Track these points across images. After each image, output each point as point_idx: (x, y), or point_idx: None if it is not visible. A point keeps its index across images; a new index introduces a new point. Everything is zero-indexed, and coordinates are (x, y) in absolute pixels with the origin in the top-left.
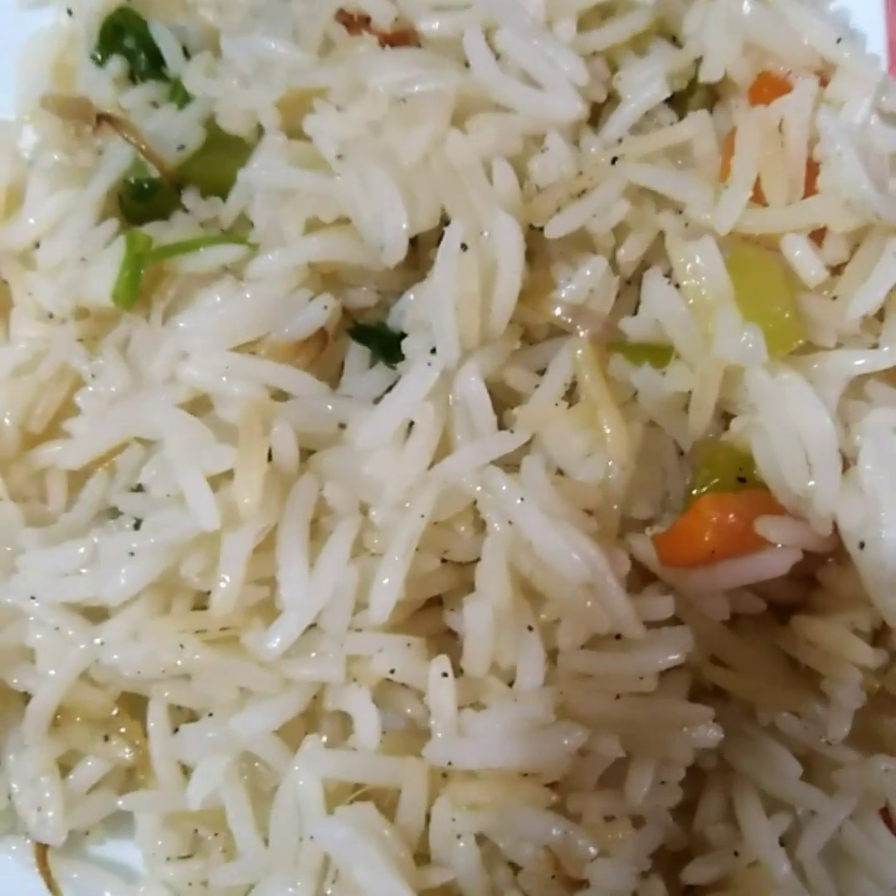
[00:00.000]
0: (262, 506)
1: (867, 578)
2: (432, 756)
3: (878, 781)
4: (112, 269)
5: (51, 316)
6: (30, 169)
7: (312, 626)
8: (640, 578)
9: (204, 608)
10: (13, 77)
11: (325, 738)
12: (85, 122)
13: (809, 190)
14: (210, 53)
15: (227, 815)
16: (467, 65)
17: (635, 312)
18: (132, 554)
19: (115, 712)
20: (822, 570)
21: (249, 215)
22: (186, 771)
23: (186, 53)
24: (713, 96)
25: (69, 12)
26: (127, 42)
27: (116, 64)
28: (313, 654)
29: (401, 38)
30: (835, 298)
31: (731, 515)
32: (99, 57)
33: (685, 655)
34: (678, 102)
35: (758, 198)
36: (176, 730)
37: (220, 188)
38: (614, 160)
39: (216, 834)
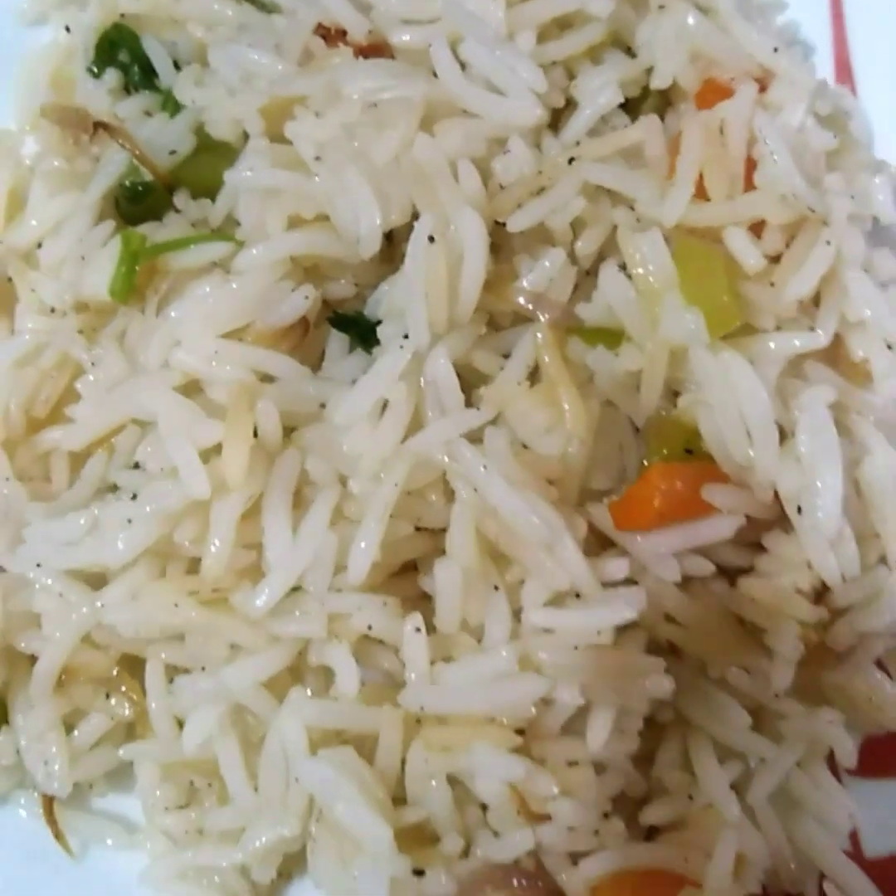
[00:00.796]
0: (248, 476)
1: (805, 541)
2: (407, 702)
3: (821, 731)
4: (109, 266)
5: (52, 310)
6: (31, 174)
7: (296, 588)
8: (598, 544)
9: (196, 572)
10: (14, 89)
11: (309, 691)
12: (82, 130)
13: (748, 186)
14: (198, 66)
15: (220, 762)
16: (435, 74)
17: (591, 298)
18: (130, 521)
19: (115, 672)
20: (767, 536)
21: (236, 215)
22: (182, 725)
23: (177, 66)
24: (664, 101)
25: (67, 29)
26: (121, 56)
27: (112, 76)
28: (297, 613)
29: (374, 49)
30: (772, 285)
31: (678, 483)
32: (95, 70)
33: (639, 613)
34: (632, 107)
35: (701, 194)
36: (172, 689)
37: (209, 190)
38: (571, 160)
39: (210, 784)
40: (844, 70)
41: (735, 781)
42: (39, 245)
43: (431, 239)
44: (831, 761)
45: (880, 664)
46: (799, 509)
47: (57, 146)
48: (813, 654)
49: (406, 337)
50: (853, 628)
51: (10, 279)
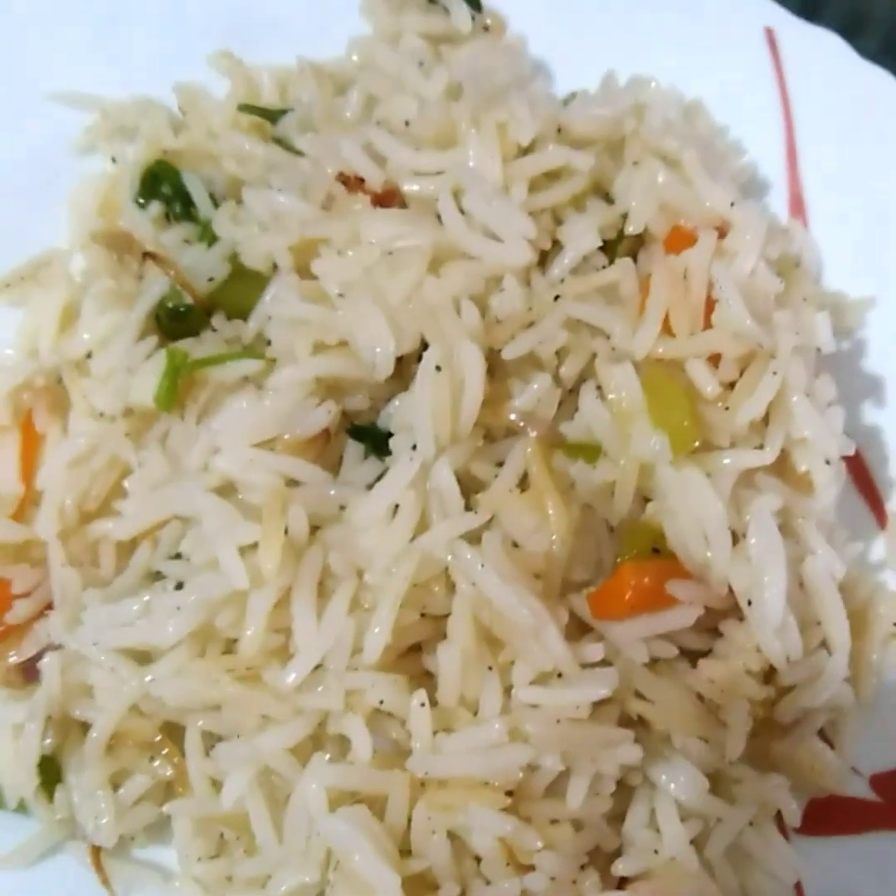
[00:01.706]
0: (280, 571)
1: (755, 629)
2: (413, 767)
3: (770, 794)
4: (153, 377)
5: (102, 415)
6: (82, 291)
7: (319, 667)
8: (578, 629)
9: (232, 652)
10: (67, 212)
11: (328, 756)
12: (127, 252)
13: (707, 324)
14: (234, 202)
15: (251, 817)
16: (440, 219)
17: (573, 417)
18: (178, 608)
19: (158, 738)
20: (722, 624)
21: (265, 334)
22: (216, 784)
23: (213, 198)
24: (638, 243)
25: (113, 160)
26: (164, 189)
27: (155, 207)
28: (319, 689)
29: (388, 196)
30: (727, 408)
31: (646, 578)
32: (141, 201)
33: (612, 690)
34: (609, 247)
35: (667, 329)
36: (207, 752)
37: (242, 312)
38: (556, 297)
39: (238, 837)
40: (798, 205)
41: (695, 838)
42: (89, 355)
43: (438, 368)
44: (779, 821)
45: (822, 735)
46: (749, 602)
47: (104, 266)
48: (762, 726)
49: (414, 448)
50: (797, 704)
51: (59, 381)
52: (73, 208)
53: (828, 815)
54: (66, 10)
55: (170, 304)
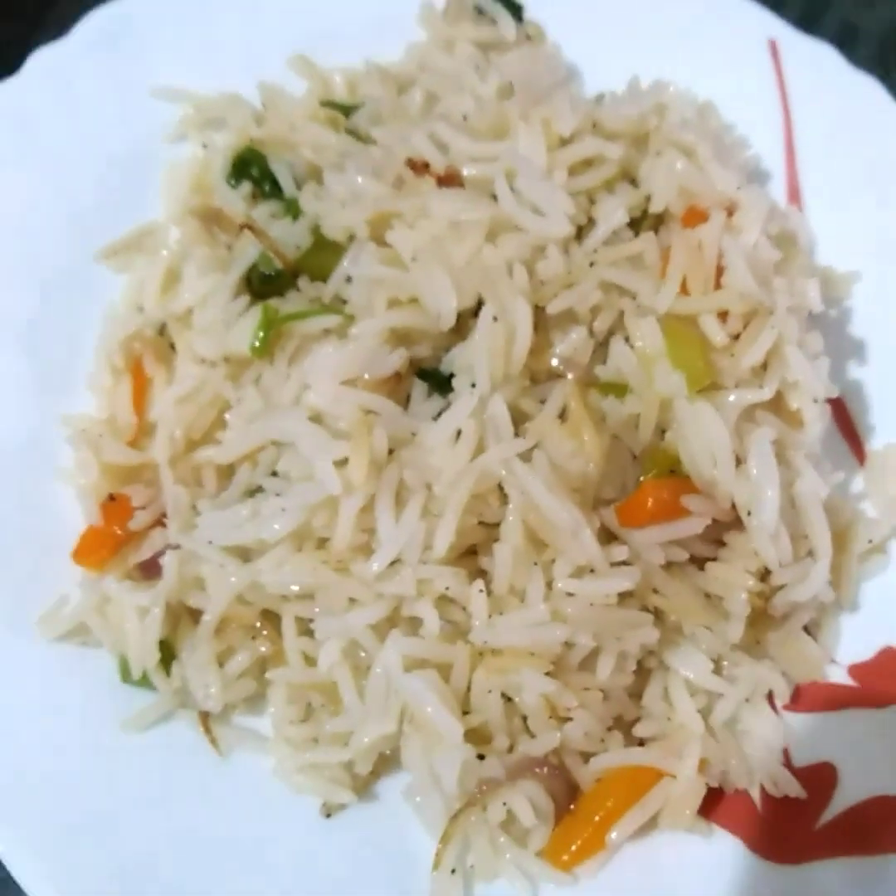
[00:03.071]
0: (366, 481)
1: (753, 536)
2: (473, 639)
3: (764, 676)
4: (248, 329)
5: (203, 361)
6: (179, 258)
7: (396, 560)
8: (606, 537)
9: (324, 549)
10: (161, 191)
11: (402, 633)
12: (218, 226)
13: (717, 286)
14: (315, 183)
15: (338, 682)
16: (496, 198)
17: (604, 362)
18: (283, 510)
19: (258, 624)
20: (726, 534)
21: (343, 295)
22: (307, 659)
23: (295, 180)
24: (659, 221)
25: (204, 147)
26: (252, 171)
27: (244, 187)
28: (396, 578)
29: (450, 178)
30: (733, 355)
31: (664, 493)
32: (232, 181)
33: (634, 584)
34: (635, 224)
35: (684, 290)
36: (300, 633)
37: (323, 276)
38: (592, 264)
39: (324, 704)
40: (795, 192)
41: (700, 710)
42: (191, 312)
43: (495, 319)
44: (770, 699)
45: (807, 631)
46: (748, 513)
47: (198, 236)
48: (758, 619)
49: (473, 386)
50: (787, 599)
51: (162, 335)
52: (168, 188)
53: (811, 696)
54: (170, 15)
55: (261, 269)
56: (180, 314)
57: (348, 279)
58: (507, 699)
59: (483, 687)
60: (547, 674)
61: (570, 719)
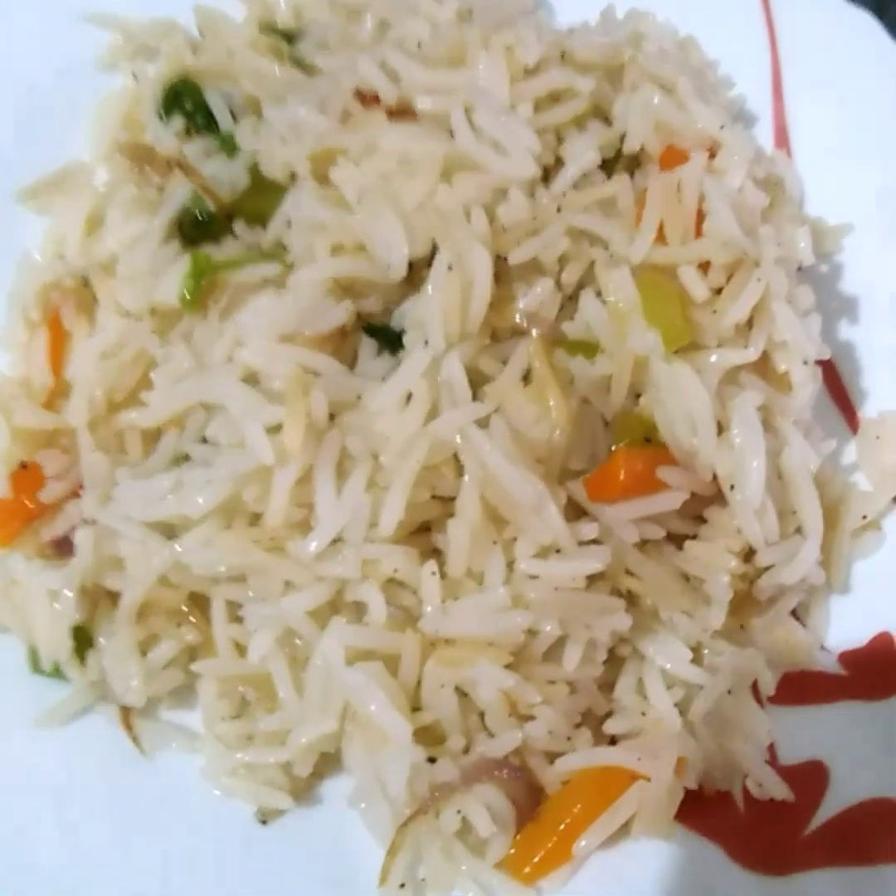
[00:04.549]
0: (303, 449)
1: (736, 512)
2: (424, 627)
3: (748, 666)
4: (177, 278)
5: (128, 313)
6: (105, 200)
7: (338, 539)
8: (573, 513)
9: (256, 525)
10: (89, 126)
11: (345, 620)
12: (149, 164)
13: (698, 234)
14: (254, 116)
15: (273, 675)
16: (452, 134)
17: (573, 319)
18: (208, 482)
19: (184, 608)
20: (706, 510)
21: (284, 241)
22: (239, 648)
23: (232, 114)
24: (634, 162)
25: (135, 77)
26: (185, 104)
27: (177, 121)
28: (338, 558)
29: (402, 111)
30: (715, 312)
31: (639, 464)
32: (163, 115)
33: (605, 565)
34: (607, 166)
35: (661, 238)
36: (231, 620)
37: (261, 220)
38: (559, 209)
39: (259, 698)
40: (782, 136)
41: (678, 703)
42: (115, 259)
43: (450, 268)
44: (755, 691)
45: (794, 614)
46: (732, 487)
47: (126, 177)
48: (741, 603)
49: (426, 343)
50: (774, 581)
51: (85, 284)
52: (96, 123)
53: (799, 687)
54: None
55: (193, 211)
56: (104, 262)
57: (289, 224)
58: (463, 694)
59: (435, 681)
60: (507, 666)
61: (532, 717)
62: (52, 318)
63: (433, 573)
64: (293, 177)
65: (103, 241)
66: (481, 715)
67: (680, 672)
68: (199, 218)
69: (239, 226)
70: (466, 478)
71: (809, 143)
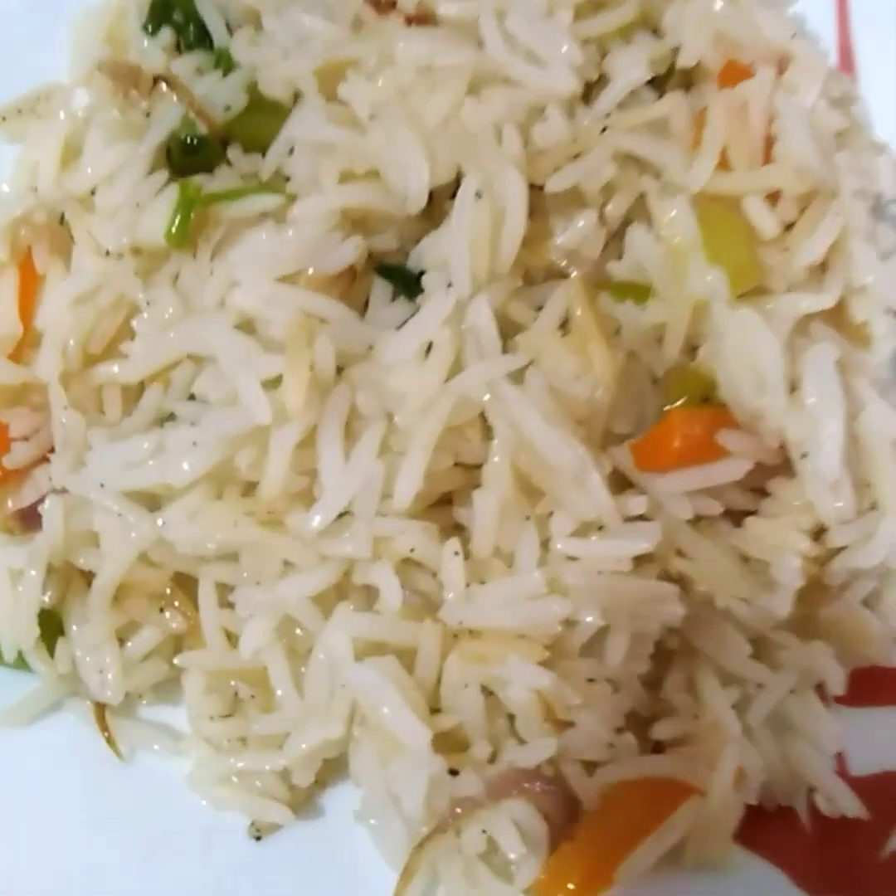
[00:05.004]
0: (305, 407)
1: (807, 484)
2: (446, 617)
3: (814, 662)
4: (163, 213)
5: (108, 253)
6: (85, 126)
7: (345, 512)
8: (618, 485)
9: (251, 496)
10: (69, 45)
11: (353, 607)
12: (135, 85)
13: (767, 160)
14: (252, 28)
15: (269, 670)
16: (481, 44)
17: (620, 258)
18: (195, 444)
19: (168, 591)
20: (771, 482)
21: (285, 170)
22: (231, 638)
23: (228, 27)
24: (688, 80)
25: None
26: (175, 16)
27: (166, 35)
28: (346, 535)
29: (422, 19)
30: (786, 250)
31: (696, 427)
32: (149, 28)
33: (654, 545)
34: (658, 84)
35: (723, 164)
36: (222, 605)
37: (260, 146)
38: (603, 130)
39: (254, 695)
40: (847, 60)
41: (734, 704)
42: (94, 191)
43: (478, 195)
44: (820, 690)
45: (866, 603)
46: (803, 455)
47: (110, 99)
48: (809, 591)
49: (449, 286)
50: (847, 566)
51: (61, 222)
52: (74, 40)
53: (872, 686)
54: None
55: (182, 136)
56: (81, 195)
57: (292, 150)
58: (489, 694)
59: (458, 679)
60: (541, 662)
61: (570, 722)
62: (21, 258)
63: (456, 553)
64: (297, 96)
65: (81, 172)
66: (511, 718)
67: (737, 668)
68: (190, 143)
69: (234, 152)
70: (495, 441)
71: (878, 66)
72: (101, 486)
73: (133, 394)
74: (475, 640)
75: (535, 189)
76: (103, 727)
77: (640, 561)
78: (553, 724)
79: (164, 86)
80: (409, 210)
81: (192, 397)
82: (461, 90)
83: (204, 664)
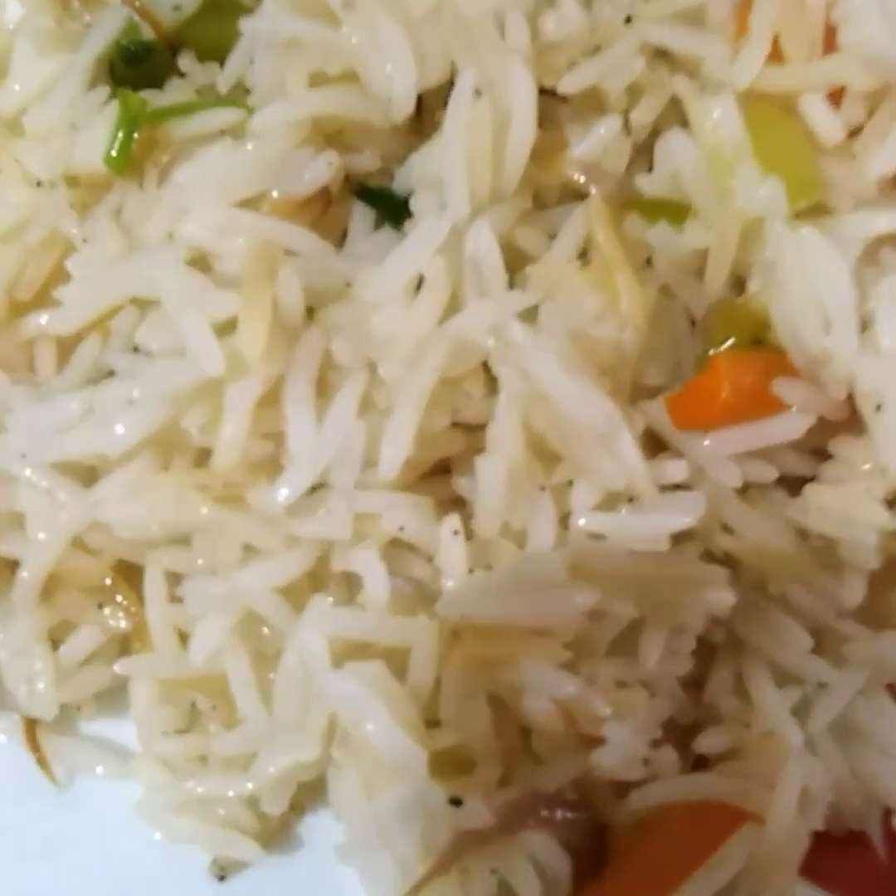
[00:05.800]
0: (267, 356)
1: (882, 442)
2: (444, 610)
3: (887, 656)
4: (104, 134)
5: (39, 183)
6: (13, 37)
7: (319, 484)
8: (653, 446)
9: (205, 466)
10: None
11: (331, 599)
12: None
13: (827, 50)
14: None
15: (229, 678)
16: None
17: (650, 171)
18: (131, 402)
19: (109, 581)
20: (834, 442)
21: (247, 81)
22: (185, 639)
23: None
24: None
25: None
26: None
27: None
28: (320, 512)
29: None
30: (854, 158)
31: (748, 374)
32: None
33: (696, 519)
34: None
35: (775, 56)
36: (173, 599)
37: (217, 53)
38: (628, 19)
39: (214, 707)
40: None
41: (793, 708)
42: (23, 112)
43: (477, 94)
44: (893, 689)
45: None
46: (878, 407)
47: (44, 8)
48: (883, 572)
49: (443, 209)
50: None
51: None
52: None
53: None
54: None
55: (126, 45)
56: (8, 116)
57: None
58: (498, 703)
59: (459, 688)
60: (561, 665)
61: (598, 737)
62: None
63: (455, 532)
64: None
65: (7, 90)
66: (525, 734)
67: (795, 665)
68: (135, 52)
69: (187, 61)
70: (502, 396)
71: None
72: (23, 456)
73: (69, 348)
74: (481, 639)
75: (546, 91)
76: (34, 747)
77: (680, 539)
78: (577, 740)
79: None
80: (394, 119)
81: (136, 350)
82: None
83: (153, 671)
